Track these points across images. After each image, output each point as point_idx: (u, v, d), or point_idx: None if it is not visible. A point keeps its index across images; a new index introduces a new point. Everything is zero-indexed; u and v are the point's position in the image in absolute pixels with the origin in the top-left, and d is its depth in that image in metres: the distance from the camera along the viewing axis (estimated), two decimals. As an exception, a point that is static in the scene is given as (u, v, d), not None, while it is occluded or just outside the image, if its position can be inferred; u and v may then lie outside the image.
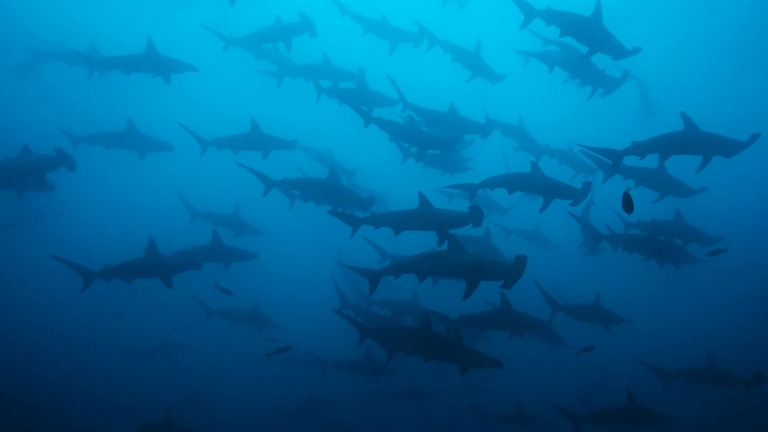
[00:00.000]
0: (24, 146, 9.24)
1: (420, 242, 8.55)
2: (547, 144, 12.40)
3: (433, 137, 10.04)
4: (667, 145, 8.66)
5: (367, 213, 9.13)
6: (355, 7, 12.66)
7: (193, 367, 14.89)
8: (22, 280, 16.71)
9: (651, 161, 9.24)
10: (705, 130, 8.54)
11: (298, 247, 19.97)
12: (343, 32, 13.25)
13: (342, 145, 15.16)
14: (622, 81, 10.67)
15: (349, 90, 11.04)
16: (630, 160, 9.11)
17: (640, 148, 8.71)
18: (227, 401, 14.23)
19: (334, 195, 9.50)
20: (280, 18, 11.91)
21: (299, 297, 17.55)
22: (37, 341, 14.81)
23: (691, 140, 8.57)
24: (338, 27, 13.12)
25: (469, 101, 11.42)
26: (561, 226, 12.35)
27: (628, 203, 5.22)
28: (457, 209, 8.19)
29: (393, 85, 10.53)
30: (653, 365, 9.98)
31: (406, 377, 11.76)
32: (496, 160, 12.81)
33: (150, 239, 8.72)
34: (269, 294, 14.34)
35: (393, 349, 7.75)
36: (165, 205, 14.54)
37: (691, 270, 10.43)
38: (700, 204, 10.30)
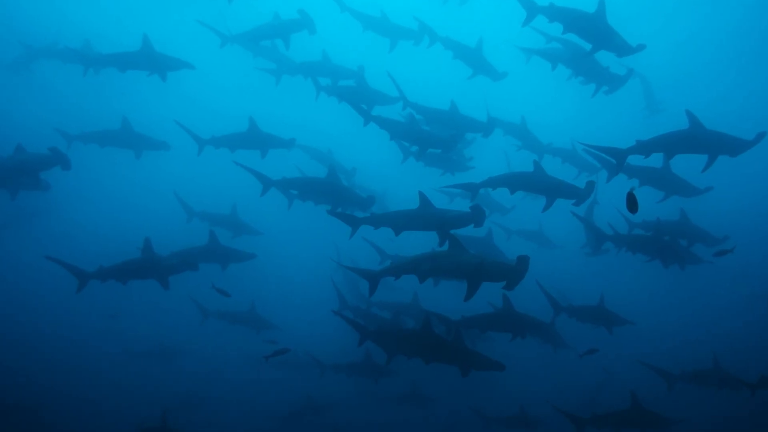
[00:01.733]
0: (18, 145, 9.10)
1: (420, 243, 8.46)
2: (549, 143, 12.32)
3: (433, 136, 9.94)
4: (671, 144, 8.56)
5: (367, 213, 9.05)
6: (354, 4, 12.58)
7: (190, 370, 14.85)
8: (15, 282, 16.65)
9: (656, 160, 9.14)
10: (710, 129, 8.43)
11: (297, 248, 19.94)
12: (342, 29, 13.20)
13: (341, 144, 15.08)
14: (626, 79, 10.61)
15: (349, 88, 10.94)
16: (634, 159, 9.02)
17: (644, 147, 8.60)
18: (225, 404, 14.21)
19: (334, 195, 9.43)
20: (279, 15, 11.84)
21: (298, 298, 17.53)
22: (31, 343, 14.74)
23: (697, 139, 8.47)
24: (337, 24, 13.05)
25: (471, 99, 11.33)
26: (564, 226, 12.22)
27: (632, 203, 5.12)
28: (458, 209, 8.13)
29: (393, 83, 10.41)
30: (657, 368, 9.91)
31: (406, 380, 11.70)
32: (497, 159, 12.78)
33: (146, 239, 8.59)
34: (267, 295, 14.29)
35: (393, 351, 7.71)
36: (161, 205, 14.47)
37: (695, 271, 10.33)
38: (705, 204, 10.20)
